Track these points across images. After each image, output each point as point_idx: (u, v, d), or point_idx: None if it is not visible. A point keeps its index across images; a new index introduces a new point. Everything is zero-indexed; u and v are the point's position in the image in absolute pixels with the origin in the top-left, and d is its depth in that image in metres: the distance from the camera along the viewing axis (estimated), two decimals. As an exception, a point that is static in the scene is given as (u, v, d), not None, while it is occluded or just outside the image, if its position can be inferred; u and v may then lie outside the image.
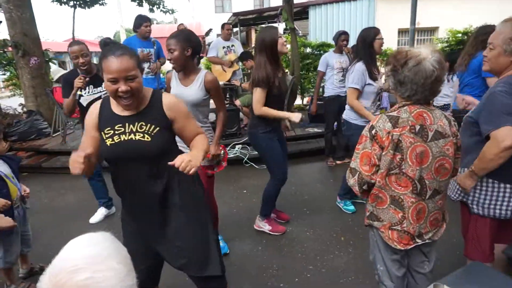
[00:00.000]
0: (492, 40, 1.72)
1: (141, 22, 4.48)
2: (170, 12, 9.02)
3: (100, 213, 3.59)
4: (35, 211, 3.61)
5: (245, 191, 4.09)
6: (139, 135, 1.59)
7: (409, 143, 1.50)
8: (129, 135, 1.59)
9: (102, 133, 1.62)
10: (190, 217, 1.75)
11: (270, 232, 3.13)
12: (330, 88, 4.47)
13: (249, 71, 8.05)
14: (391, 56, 1.58)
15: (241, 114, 5.54)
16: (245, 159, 4.89)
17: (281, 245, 2.98)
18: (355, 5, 10.48)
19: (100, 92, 3.05)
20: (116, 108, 1.63)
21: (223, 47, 5.81)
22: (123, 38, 26.36)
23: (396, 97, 1.62)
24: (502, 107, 1.61)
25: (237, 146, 5.12)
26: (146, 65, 4.54)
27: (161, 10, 8.89)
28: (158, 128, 1.60)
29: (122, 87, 1.47)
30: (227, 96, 6.15)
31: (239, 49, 5.88)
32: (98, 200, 3.61)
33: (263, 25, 14.26)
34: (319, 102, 5.50)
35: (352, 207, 3.46)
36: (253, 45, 9.58)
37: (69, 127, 5.88)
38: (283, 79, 2.83)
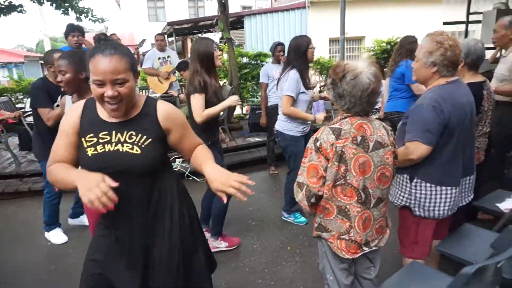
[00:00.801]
0: (416, 53, 1.88)
1: (69, 32, 4.17)
2: (100, 21, 8.52)
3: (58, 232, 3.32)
4: None
5: (188, 207, 3.94)
6: (127, 146, 1.36)
7: (352, 154, 1.54)
8: (116, 145, 1.36)
9: (83, 139, 1.38)
10: (171, 265, 1.49)
11: (227, 249, 3.01)
12: (272, 97, 4.52)
13: (186, 81, 7.91)
14: (331, 69, 1.62)
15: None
16: (187, 173, 4.75)
17: (228, 260, 2.90)
18: (288, 15, 10.85)
19: None
20: (102, 112, 1.39)
21: (159, 58, 5.64)
22: (47, 47, 24.49)
23: (337, 109, 1.66)
24: (422, 121, 1.76)
25: (177, 160, 4.95)
26: None
27: (89, 19, 8.36)
28: (150, 140, 1.39)
29: (109, 91, 1.26)
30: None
31: (176, 60, 5.74)
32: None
33: (199, 35, 14.16)
34: (258, 112, 5.57)
35: (303, 218, 3.41)
36: (189, 55, 9.45)
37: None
38: (219, 91, 2.79)
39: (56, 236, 3.28)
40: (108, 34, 6.32)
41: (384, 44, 8.92)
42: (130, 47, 6.78)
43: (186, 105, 5.64)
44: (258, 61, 7.76)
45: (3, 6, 7.58)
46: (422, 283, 1.76)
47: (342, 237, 1.65)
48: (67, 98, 2.33)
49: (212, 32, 11.30)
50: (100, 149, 1.36)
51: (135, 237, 1.45)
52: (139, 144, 1.37)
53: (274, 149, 4.81)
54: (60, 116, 2.76)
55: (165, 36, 6.20)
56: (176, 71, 5.60)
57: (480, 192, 2.73)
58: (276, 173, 4.81)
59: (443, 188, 1.84)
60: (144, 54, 6.07)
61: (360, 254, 1.67)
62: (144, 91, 7.48)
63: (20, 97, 8.34)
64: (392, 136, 1.68)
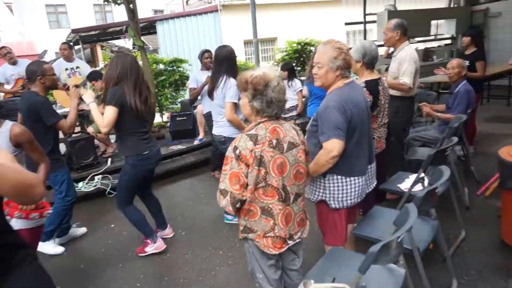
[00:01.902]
0: (319, 60, 2.04)
1: None
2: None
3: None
4: None
5: (112, 226, 3.75)
6: None
7: (270, 157, 1.64)
8: None
9: None
10: None
11: (157, 251, 3.05)
12: (207, 105, 4.48)
13: (99, 92, 7.46)
14: (243, 83, 1.69)
15: (96, 141, 5.07)
16: (108, 189, 4.49)
17: (161, 274, 2.84)
18: (201, 19, 10.82)
19: None
20: None
21: (66, 69, 5.24)
22: None
23: (250, 117, 1.75)
24: (332, 122, 1.93)
25: (96, 177, 4.65)
26: None
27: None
28: None
29: None
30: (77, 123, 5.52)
31: (86, 70, 5.39)
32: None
33: (110, 41, 13.40)
34: (179, 118, 5.52)
35: None
36: (101, 63, 8.80)
37: None
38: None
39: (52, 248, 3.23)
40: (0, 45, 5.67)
41: (295, 45, 9.43)
42: (30, 58, 6.15)
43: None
44: (174, 67, 7.64)
45: None
46: (343, 265, 1.94)
47: (268, 235, 1.74)
48: None
49: (122, 39, 10.78)
50: None
51: None
52: None
53: (221, 154, 4.69)
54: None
55: (71, 44, 5.75)
56: (88, 83, 5.26)
57: (388, 175, 3.09)
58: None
59: (352, 178, 2.05)
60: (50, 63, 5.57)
61: (285, 248, 1.78)
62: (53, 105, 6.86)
63: None
64: (301, 135, 1.83)
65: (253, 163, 1.62)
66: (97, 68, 6.85)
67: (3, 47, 5.28)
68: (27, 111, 2.82)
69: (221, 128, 3.23)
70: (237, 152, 1.63)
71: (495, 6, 7.65)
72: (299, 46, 9.37)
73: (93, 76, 5.06)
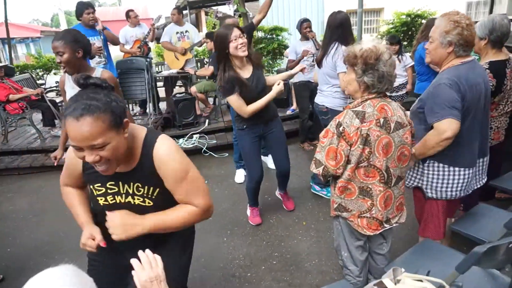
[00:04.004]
0: (432, 34, 1.85)
1: (83, 9, 4.18)
2: (114, -5, 8.47)
3: (241, 173, 4.03)
4: (-20, 219, 3.36)
5: (206, 182, 4.04)
6: (138, 199, 1.32)
7: (376, 136, 1.57)
8: (126, 197, 1.32)
9: (92, 187, 1.36)
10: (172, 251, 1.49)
11: (249, 221, 3.21)
12: (300, 74, 4.50)
13: (206, 58, 7.89)
14: (351, 57, 1.61)
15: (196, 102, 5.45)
16: (204, 148, 4.85)
17: (246, 234, 3.03)
18: (305, -13, 10.52)
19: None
20: None
21: (177, 33, 5.61)
22: (62, 22, 24.54)
23: (357, 93, 1.66)
24: (445, 100, 1.74)
25: (194, 136, 5.05)
26: (96, 59, 4.26)
27: (103, -7, 8.35)
28: (158, 190, 1.31)
29: (89, 157, 1.12)
30: (178, 84, 5.99)
31: (194, 35, 5.69)
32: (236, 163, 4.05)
33: (214, 7, 13.88)
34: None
35: None
36: (204, 29, 9.22)
37: (10, 124, 5.43)
38: (251, 79, 2.68)
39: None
40: (121, 7, 6.28)
41: (404, 17, 8.61)
42: (145, 21, 6.75)
43: (204, 80, 5.68)
44: (274, 36, 7.64)
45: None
46: (434, 259, 1.82)
47: (364, 215, 1.70)
48: (67, 77, 2.40)
49: (226, 4, 11.06)
50: (111, 200, 1.34)
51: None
52: (149, 195, 1.32)
53: (310, 127, 4.75)
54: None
55: (181, 9, 6.11)
56: (194, 48, 5.58)
57: (500, 171, 2.74)
58: (311, 148, 4.78)
59: (456, 169, 1.86)
60: (163, 28, 6.04)
61: (381, 230, 1.74)
62: (160, 66, 7.51)
63: (40, 73, 8.50)
64: (408, 116, 1.72)
65: (357, 141, 1.57)
66: (200, 33, 7.18)
67: (131, 10, 5.86)
68: None
69: (325, 98, 3.14)
70: (341, 129, 1.59)
71: None
72: (409, 18, 8.55)
73: (209, 36, 5.24)
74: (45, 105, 5.20)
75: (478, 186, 2.03)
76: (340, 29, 2.99)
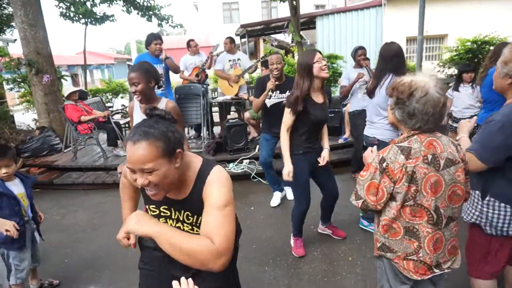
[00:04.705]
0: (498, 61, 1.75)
1: (152, 39, 4.56)
2: (178, 26, 9.15)
3: (277, 196, 4.15)
4: (46, 228, 3.65)
5: (252, 208, 4.09)
6: (187, 226, 1.39)
7: (423, 174, 1.48)
8: (176, 223, 1.41)
9: (148, 207, 1.46)
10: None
11: (293, 252, 3.13)
12: (355, 103, 4.46)
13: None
14: (391, 88, 1.58)
15: (247, 128, 5.56)
16: (253, 174, 4.89)
17: (288, 265, 2.96)
18: (362, 14, 10.46)
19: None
20: None
21: (229, 61, 5.86)
22: (133, 50, 26.87)
23: (402, 128, 1.61)
24: (485, 136, 1.68)
25: (244, 161, 5.13)
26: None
27: (169, 25, 9.05)
28: None
29: (139, 180, 1.20)
30: (233, 110, 6.16)
31: (246, 63, 5.91)
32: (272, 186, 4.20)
33: (272, 35, 14.35)
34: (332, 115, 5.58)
35: None
36: (261, 55, 9.54)
37: (79, 143, 5.97)
38: (321, 107, 2.82)
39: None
40: (186, 36, 6.74)
41: (469, 44, 8.15)
42: (205, 49, 7.16)
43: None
44: (329, 63, 7.65)
45: (98, 17, 8.66)
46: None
47: (410, 257, 1.59)
48: (136, 103, 2.58)
49: (282, 33, 11.38)
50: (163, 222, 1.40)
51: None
52: (198, 225, 1.37)
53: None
54: (260, 104, 3.63)
55: (234, 38, 6.40)
56: (246, 74, 5.77)
57: None
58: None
59: None
60: (218, 55, 6.37)
61: (430, 276, 1.60)
62: (215, 92, 7.83)
63: (109, 96, 9.32)
64: (461, 152, 1.60)
65: (402, 178, 1.48)
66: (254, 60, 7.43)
67: (192, 40, 6.27)
68: None
69: (376, 130, 3.02)
70: (384, 164, 1.52)
71: None
72: (474, 45, 8.07)
73: (264, 64, 5.43)
74: (110, 126, 5.65)
75: None
76: (395, 60, 2.90)
